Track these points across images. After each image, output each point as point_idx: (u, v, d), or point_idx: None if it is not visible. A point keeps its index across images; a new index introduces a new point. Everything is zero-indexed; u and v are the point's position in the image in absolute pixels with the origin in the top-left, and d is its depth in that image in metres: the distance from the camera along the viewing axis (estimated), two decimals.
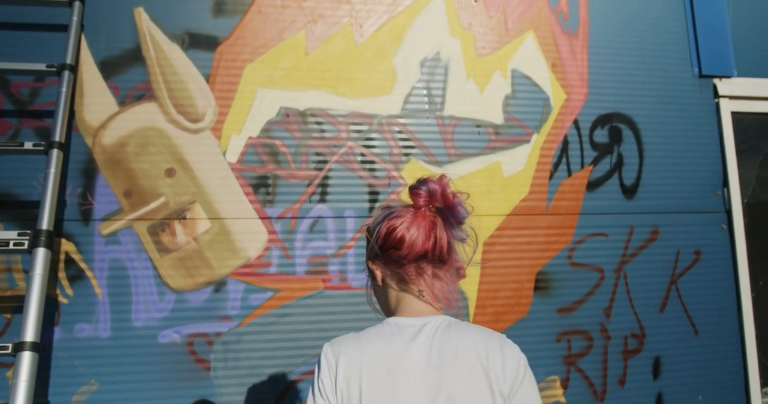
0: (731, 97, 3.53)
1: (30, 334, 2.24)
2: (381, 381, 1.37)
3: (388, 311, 1.58)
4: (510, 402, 1.39)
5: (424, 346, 1.42)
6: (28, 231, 2.42)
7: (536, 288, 3.11)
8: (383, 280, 1.57)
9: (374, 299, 1.67)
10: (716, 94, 3.51)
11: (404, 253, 1.48)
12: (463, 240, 1.55)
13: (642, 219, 3.29)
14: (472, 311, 3.01)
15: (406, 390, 1.37)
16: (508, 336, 1.51)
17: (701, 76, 3.51)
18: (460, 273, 1.58)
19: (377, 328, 1.50)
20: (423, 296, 1.51)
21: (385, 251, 1.52)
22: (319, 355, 1.47)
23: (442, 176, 1.52)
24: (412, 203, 1.53)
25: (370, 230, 1.57)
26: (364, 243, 2.38)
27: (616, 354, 3.15)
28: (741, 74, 3.58)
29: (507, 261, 3.09)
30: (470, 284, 3.03)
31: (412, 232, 1.47)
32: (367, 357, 1.40)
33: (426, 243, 1.47)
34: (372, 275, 1.61)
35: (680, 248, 3.31)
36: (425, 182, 1.51)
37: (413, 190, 1.52)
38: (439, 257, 1.51)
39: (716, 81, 3.52)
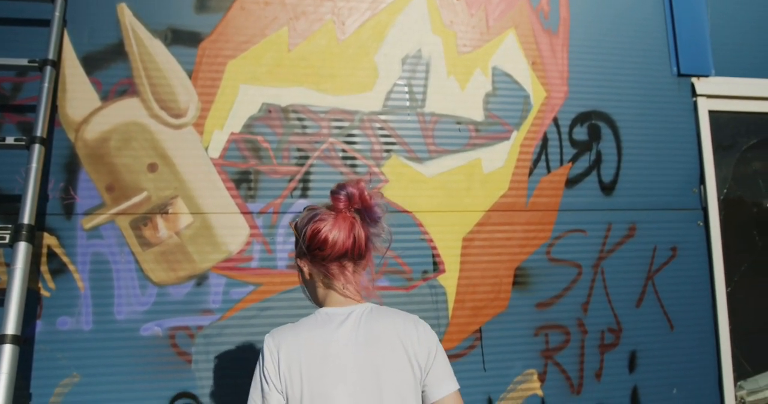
0: (709, 96, 3.58)
1: (11, 327, 2.26)
2: (317, 364, 1.58)
3: (318, 302, 1.79)
4: (427, 373, 1.66)
5: (351, 331, 1.64)
6: (9, 225, 2.44)
7: (515, 283, 3.15)
8: (310, 275, 1.76)
9: (306, 290, 1.85)
10: (694, 93, 3.56)
11: (327, 253, 1.67)
12: (379, 235, 1.74)
13: (620, 216, 3.34)
14: (451, 305, 3.05)
15: (339, 369, 1.58)
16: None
17: (679, 75, 3.56)
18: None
19: (310, 318, 1.71)
20: (346, 290, 1.72)
21: (311, 251, 1.70)
22: (263, 346, 1.64)
23: (359, 180, 1.70)
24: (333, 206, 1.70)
25: (298, 229, 1.75)
26: None
27: (593, 348, 3.20)
28: (719, 73, 3.63)
29: (486, 257, 3.13)
30: (449, 279, 3.07)
31: (334, 234, 1.65)
32: (303, 344, 1.61)
33: (346, 243, 1.66)
34: (300, 270, 1.79)
35: (657, 245, 3.36)
36: (344, 186, 1.68)
37: (334, 195, 1.69)
38: (359, 254, 1.72)
39: (694, 80, 3.58)
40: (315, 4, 3.15)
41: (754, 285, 3.58)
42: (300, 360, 1.59)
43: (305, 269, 1.76)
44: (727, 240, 3.50)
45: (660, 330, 3.30)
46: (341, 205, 1.68)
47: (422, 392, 1.68)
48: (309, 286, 1.81)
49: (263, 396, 1.59)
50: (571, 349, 3.17)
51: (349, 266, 1.72)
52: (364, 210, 1.69)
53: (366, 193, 1.68)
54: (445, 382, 1.68)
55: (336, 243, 1.65)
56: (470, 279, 3.10)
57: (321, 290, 1.76)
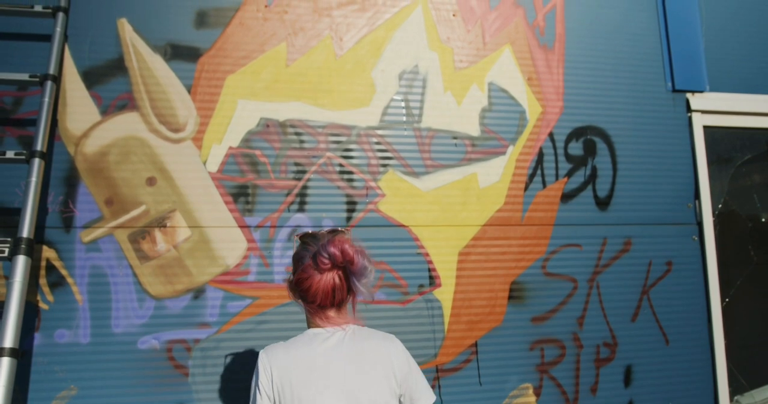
0: (703, 112, 3.61)
1: (9, 340, 2.28)
2: (304, 376, 1.78)
3: (307, 322, 1.97)
4: (402, 386, 1.87)
5: (335, 347, 1.84)
6: (9, 239, 2.46)
7: (510, 297, 3.17)
8: (299, 303, 1.95)
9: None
10: (689, 109, 3.59)
11: (310, 301, 1.88)
12: (364, 286, 1.87)
13: (615, 230, 3.36)
14: (446, 319, 3.07)
15: (323, 380, 1.78)
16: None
17: (674, 90, 3.59)
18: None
19: (299, 337, 1.90)
20: (327, 323, 1.90)
21: (298, 292, 1.90)
22: (257, 361, 1.84)
23: (342, 240, 1.85)
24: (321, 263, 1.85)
25: (293, 258, 1.98)
26: None
27: (589, 363, 3.21)
28: (713, 89, 3.66)
29: (482, 271, 3.15)
30: (445, 293, 3.09)
31: (314, 290, 1.85)
32: (293, 359, 1.81)
33: (326, 300, 1.86)
34: (291, 296, 1.97)
35: (652, 259, 3.38)
36: (326, 247, 1.83)
37: (319, 257, 1.83)
38: (339, 303, 1.90)
39: (689, 96, 3.61)
40: (313, 20, 3.19)
41: (750, 299, 3.59)
42: (290, 373, 1.78)
43: (293, 298, 1.96)
44: (722, 255, 3.52)
45: (655, 345, 3.31)
46: (325, 267, 1.84)
47: None
48: (304, 308, 1.96)
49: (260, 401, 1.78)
50: (567, 363, 3.18)
51: (330, 312, 1.90)
52: (347, 266, 1.85)
53: (348, 251, 1.83)
54: (424, 395, 1.91)
55: (316, 296, 1.85)
56: (466, 293, 3.12)
57: (308, 316, 1.95)
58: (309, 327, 1.96)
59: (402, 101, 3.21)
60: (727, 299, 3.50)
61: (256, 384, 1.81)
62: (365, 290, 1.87)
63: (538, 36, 3.46)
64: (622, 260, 3.33)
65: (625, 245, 3.35)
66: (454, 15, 3.37)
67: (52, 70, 2.75)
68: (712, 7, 3.77)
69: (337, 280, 1.86)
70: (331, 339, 1.86)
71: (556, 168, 3.34)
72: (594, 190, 3.37)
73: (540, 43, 3.45)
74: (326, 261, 1.83)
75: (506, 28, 3.42)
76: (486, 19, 3.41)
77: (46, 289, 2.73)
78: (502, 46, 3.39)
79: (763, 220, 3.71)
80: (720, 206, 3.60)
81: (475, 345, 3.08)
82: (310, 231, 2.03)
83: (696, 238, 3.47)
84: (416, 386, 1.90)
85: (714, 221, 3.53)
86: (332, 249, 1.82)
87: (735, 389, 3.46)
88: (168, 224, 2.87)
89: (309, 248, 1.91)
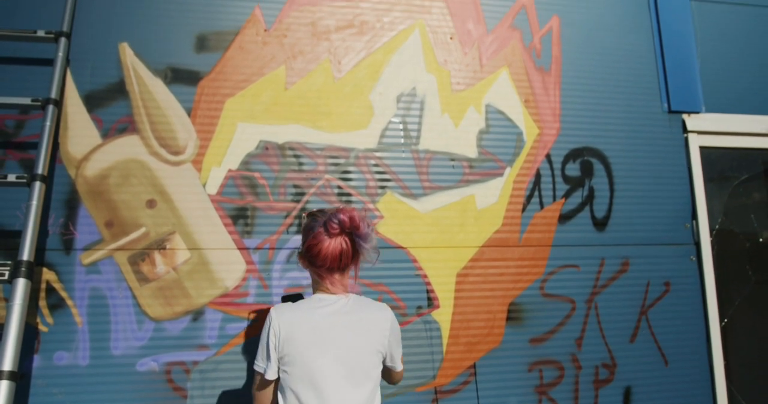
0: (699, 133, 3.64)
1: (8, 363, 2.28)
2: (308, 337, 2.02)
3: (313, 288, 2.21)
4: (387, 350, 2.14)
5: (336, 313, 2.08)
6: (9, 262, 2.47)
7: (508, 319, 3.18)
8: (308, 269, 2.18)
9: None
10: (685, 130, 3.62)
11: (318, 264, 2.10)
12: (369, 249, 2.11)
13: (612, 251, 3.37)
14: (445, 341, 3.07)
15: (323, 339, 2.02)
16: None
17: (670, 111, 3.62)
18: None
19: (306, 301, 2.14)
20: (333, 287, 2.14)
21: (308, 258, 2.12)
22: (268, 318, 2.06)
23: (352, 210, 2.10)
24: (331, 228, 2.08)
25: (303, 230, 2.21)
26: None
27: (587, 384, 3.21)
28: (709, 110, 3.70)
29: (480, 292, 3.16)
30: (443, 315, 3.10)
31: (324, 252, 2.07)
32: (299, 320, 2.04)
33: (334, 261, 2.08)
34: (301, 263, 2.21)
35: (650, 280, 3.39)
36: (337, 214, 2.07)
37: (329, 221, 2.07)
38: (345, 267, 2.13)
39: (685, 116, 3.64)
40: (312, 43, 3.23)
41: (749, 319, 3.60)
42: (295, 332, 2.01)
43: (304, 266, 2.19)
44: (720, 275, 3.52)
45: (654, 365, 3.31)
46: (334, 232, 2.07)
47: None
48: (309, 274, 2.23)
49: (267, 356, 2.03)
50: (566, 385, 3.18)
51: (336, 274, 2.13)
52: (354, 232, 2.07)
53: (356, 218, 2.06)
54: (397, 363, 2.24)
55: (326, 259, 2.08)
56: (464, 315, 3.12)
57: (315, 282, 2.19)
58: (314, 292, 2.19)
59: (400, 123, 3.24)
60: (725, 320, 3.50)
61: (267, 337, 2.04)
62: (369, 251, 2.11)
63: (535, 58, 3.50)
64: (620, 281, 3.34)
65: (622, 265, 3.36)
66: (451, 38, 3.41)
67: (53, 95, 2.78)
68: (706, 29, 3.82)
69: (344, 245, 2.08)
70: (334, 305, 2.09)
71: (554, 189, 3.36)
72: (591, 211, 3.39)
73: (536, 66, 3.49)
74: (336, 226, 2.05)
75: (503, 50, 3.46)
76: (483, 41, 3.45)
77: (45, 311, 2.74)
78: (499, 69, 3.43)
79: (761, 239, 3.72)
80: (717, 226, 3.62)
81: (474, 366, 3.09)
82: (316, 210, 2.27)
83: (694, 258, 3.48)
84: (395, 353, 2.21)
85: (711, 241, 3.54)
86: (342, 216, 2.05)
87: None
88: (167, 247, 2.89)
89: (318, 219, 2.14)
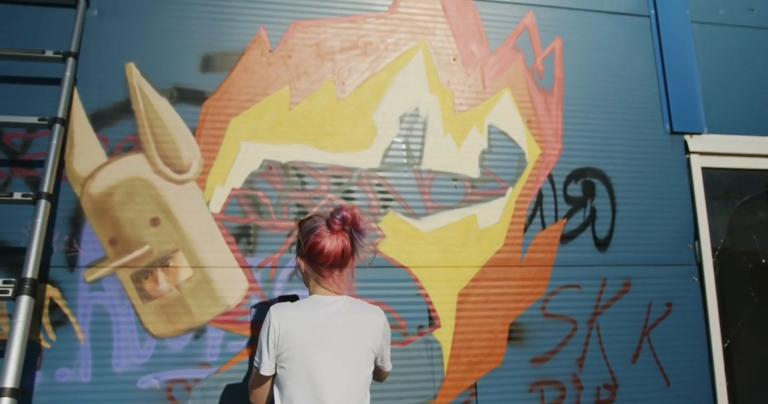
0: (701, 153, 3.66)
1: (9, 380, 2.29)
2: (306, 336, 2.10)
3: (311, 290, 2.28)
4: (379, 351, 2.25)
5: (334, 314, 2.17)
6: (13, 279, 2.49)
7: (510, 339, 3.18)
8: (305, 271, 2.27)
9: (303, 279, 2.35)
10: (687, 150, 3.64)
11: (322, 261, 2.18)
12: (364, 248, 2.25)
13: (614, 271, 3.37)
14: (446, 360, 3.07)
15: (321, 339, 2.10)
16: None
17: (672, 132, 3.64)
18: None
19: (305, 301, 2.24)
20: (332, 286, 2.22)
21: (310, 256, 2.20)
22: (268, 315, 2.13)
23: (353, 207, 2.25)
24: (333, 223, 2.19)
25: (302, 234, 2.26)
26: None
27: None
28: (711, 131, 3.71)
29: (481, 312, 3.17)
30: (445, 334, 3.10)
31: (328, 248, 2.16)
32: (299, 318, 2.13)
33: (336, 258, 2.18)
34: (298, 265, 2.29)
35: (652, 300, 3.39)
36: (339, 211, 2.19)
37: (332, 217, 2.19)
38: (345, 263, 2.22)
39: (687, 137, 3.65)
40: (316, 64, 3.26)
41: (751, 341, 3.59)
42: (294, 330, 2.09)
43: (302, 266, 2.26)
44: (723, 296, 3.52)
45: (656, 386, 3.31)
46: (336, 227, 2.17)
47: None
48: (305, 277, 2.31)
49: (268, 353, 2.09)
50: None
51: (336, 272, 2.22)
52: (353, 229, 2.21)
53: (357, 217, 2.20)
54: (387, 363, 2.35)
55: (329, 255, 2.16)
56: (465, 334, 3.13)
57: (313, 282, 2.26)
58: (311, 294, 2.27)
59: (403, 143, 3.27)
60: (728, 341, 3.49)
61: (267, 335, 2.11)
62: (366, 248, 2.27)
63: (537, 79, 3.53)
64: (621, 302, 3.34)
65: (624, 286, 3.37)
66: (454, 59, 3.44)
67: (60, 114, 2.81)
68: (708, 51, 3.85)
69: (346, 242, 2.19)
70: (332, 306, 2.18)
71: (556, 209, 3.38)
72: (593, 231, 3.40)
73: (539, 87, 3.52)
74: (338, 222, 2.17)
75: (506, 71, 3.49)
76: (486, 63, 3.48)
77: (48, 328, 2.75)
78: (501, 90, 3.46)
79: (763, 260, 3.72)
80: (719, 246, 3.62)
81: (475, 386, 3.08)
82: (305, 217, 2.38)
83: (696, 279, 3.48)
84: (386, 355, 2.32)
85: (714, 262, 3.55)
86: (344, 213, 2.18)
87: None
88: (171, 264, 2.91)
89: (318, 220, 2.24)
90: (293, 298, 2.39)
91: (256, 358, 2.15)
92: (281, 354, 2.09)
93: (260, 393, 2.20)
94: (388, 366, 2.36)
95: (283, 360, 2.09)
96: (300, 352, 2.08)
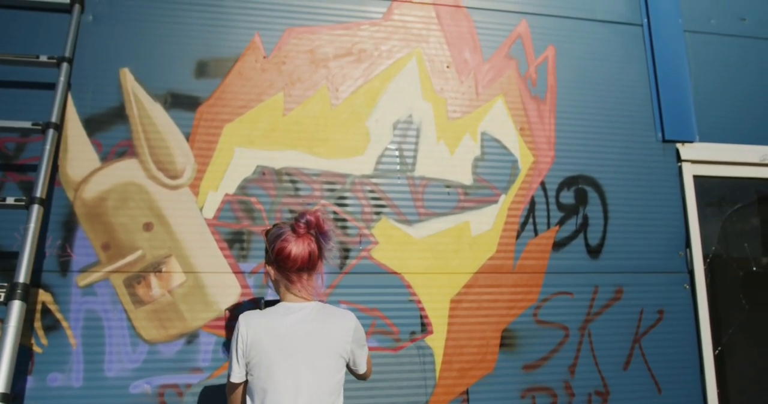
0: (693, 162, 3.68)
1: (1, 385, 2.28)
2: (273, 344, 2.10)
3: (281, 297, 2.27)
4: (350, 355, 2.23)
5: (303, 321, 2.16)
6: (5, 284, 2.49)
7: (502, 345, 3.18)
8: (275, 278, 2.26)
9: (273, 287, 2.33)
10: (679, 159, 3.66)
11: (290, 266, 2.17)
12: (331, 251, 2.27)
13: (606, 279, 3.39)
14: (438, 366, 3.08)
15: (288, 347, 2.10)
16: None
17: (664, 140, 3.66)
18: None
19: (274, 308, 2.23)
20: (302, 292, 2.21)
21: (277, 262, 2.20)
22: (237, 324, 2.13)
23: (316, 210, 2.35)
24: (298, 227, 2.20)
25: (268, 241, 2.27)
26: (333, 298, 2.50)
27: None
28: (702, 139, 3.74)
29: (474, 318, 3.17)
30: (437, 340, 3.11)
31: (295, 252, 2.16)
32: (266, 326, 2.13)
33: (303, 260, 2.17)
34: (267, 273, 2.29)
35: (644, 307, 3.40)
36: (304, 215, 2.21)
37: (296, 222, 2.21)
38: (312, 267, 2.22)
39: (679, 146, 3.67)
40: (310, 71, 3.28)
41: (742, 348, 3.60)
42: (262, 338, 2.10)
43: (272, 274, 2.26)
44: (714, 303, 3.54)
45: (647, 393, 3.31)
46: (301, 230, 2.19)
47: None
48: (274, 285, 2.30)
49: (237, 361, 2.11)
50: None
51: (304, 276, 2.21)
52: (318, 233, 2.21)
53: (321, 220, 2.22)
54: (360, 366, 2.31)
55: (297, 259, 2.16)
56: (458, 341, 3.13)
57: (282, 289, 2.25)
58: (282, 300, 2.26)
59: (396, 150, 3.28)
60: (719, 348, 3.51)
61: (236, 343, 2.13)
62: (330, 252, 2.27)
63: (530, 87, 3.55)
64: (613, 309, 3.36)
65: (616, 293, 3.38)
66: (447, 67, 3.46)
67: (54, 119, 2.81)
68: (700, 60, 3.87)
69: (312, 245, 2.19)
70: (300, 313, 2.18)
71: (548, 217, 3.39)
72: (585, 238, 3.41)
73: (532, 94, 3.54)
74: (303, 225, 2.19)
75: (499, 79, 3.51)
76: (479, 70, 3.50)
77: (40, 332, 2.75)
78: (494, 97, 3.48)
79: (754, 268, 3.74)
80: (711, 254, 3.64)
81: (467, 392, 3.09)
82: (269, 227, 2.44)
83: (687, 286, 3.49)
84: (359, 358, 2.28)
85: (705, 270, 3.56)
86: (308, 216, 2.20)
87: None
88: (163, 269, 2.91)
89: (283, 226, 2.25)
90: (263, 304, 2.49)
91: (232, 363, 2.16)
92: (249, 362, 2.11)
93: (234, 401, 2.22)
94: (362, 369, 2.34)
95: (252, 367, 2.10)
96: (267, 359, 2.09)
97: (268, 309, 2.24)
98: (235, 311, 2.91)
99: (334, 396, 2.18)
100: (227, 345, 2.86)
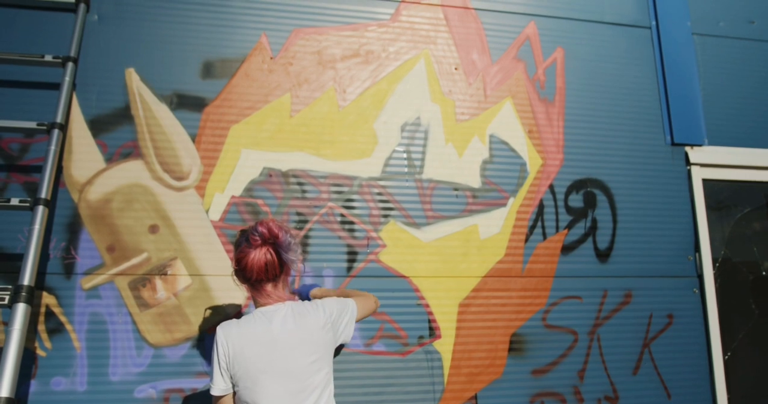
0: (702, 165, 3.65)
1: (5, 390, 2.25)
2: (256, 350, 2.10)
3: (254, 303, 2.28)
4: (337, 335, 2.29)
5: (279, 323, 2.16)
6: (9, 286, 2.46)
7: (510, 350, 3.15)
8: (244, 285, 2.25)
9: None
10: (688, 162, 3.63)
11: (247, 276, 2.17)
12: (292, 260, 2.21)
13: (615, 283, 3.36)
14: (446, 371, 3.05)
15: (268, 353, 2.10)
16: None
17: (673, 144, 3.64)
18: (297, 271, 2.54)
19: (250, 316, 2.21)
20: (268, 299, 2.21)
21: (236, 271, 2.21)
22: (215, 336, 2.12)
23: (271, 221, 2.23)
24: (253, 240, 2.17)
25: (234, 248, 2.27)
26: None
27: None
28: (711, 143, 3.71)
29: (482, 322, 3.14)
30: (445, 345, 3.07)
31: (250, 263, 2.14)
32: (245, 336, 2.12)
33: (260, 272, 2.16)
34: (237, 281, 2.27)
35: (653, 312, 3.37)
36: (256, 227, 2.18)
37: (250, 235, 2.18)
38: (274, 277, 2.20)
39: (688, 149, 3.65)
40: (317, 72, 3.25)
41: (752, 353, 3.57)
42: (242, 348, 2.10)
43: (239, 282, 2.25)
44: (723, 307, 3.51)
45: (657, 398, 3.28)
46: (255, 243, 2.16)
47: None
48: (248, 291, 2.28)
49: (221, 374, 2.11)
50: None
51: (268, 286, 2.20)
52: (274, 241, 2.18)
53: (273, 228, 2.18)
54: (349, 333, 2.34)
55: (252, 270, 2.15)
56: (466, 345, 3.10)
57: (254, 296, 2.26)
58: (256, 306, 2.26)
59: (404, 152, 3.25)
60: (729, 353, 3.48)
61: (216, 356, 2.12)
62: (293, 261, 2.21)
63: (539, 89, 3.52)
64: (622, 313, 3.33)
65: (625, 297, 3.35)
66: (456, 68, 3.44)
67: (59, 119, 2.78)
68: (709, 63, 3.85)
69: (269, 256, 2.16)
70: (276, 316, 2.17)
71: (557, 220, 3.36)
72: (594, 242, 3.38)
73: (540, 97, 3.51)
74: (256, 238, 2.16)
75: (507, 81, 3.49)
76: (487, 72, 3.47)
77: (44, 336, 2.72)
78: (503, 99, 3.45)
79: (764, 272, 3.71)
80: (720, 258, 3.61)
81: (475, 397, 3.06)
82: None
83: (697, 291, 3.46)
84: (342, 330, 2.31)
85: (714, 274, 3.53)
86: (260, 228, 2.17)
87: None
88: (169, 272, 2.88)
89: (243, 235, 2.24)
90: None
91: (214, 376, 2.15)
92: (235, 373, 2.10)
93: None
94: (351, 331, 2.36)
95: (238, 379, 2.10)
96: (252, 368, 2.09)
97: (245, 317, 2.22)
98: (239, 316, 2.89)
99: (326, 391, 2.20)
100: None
